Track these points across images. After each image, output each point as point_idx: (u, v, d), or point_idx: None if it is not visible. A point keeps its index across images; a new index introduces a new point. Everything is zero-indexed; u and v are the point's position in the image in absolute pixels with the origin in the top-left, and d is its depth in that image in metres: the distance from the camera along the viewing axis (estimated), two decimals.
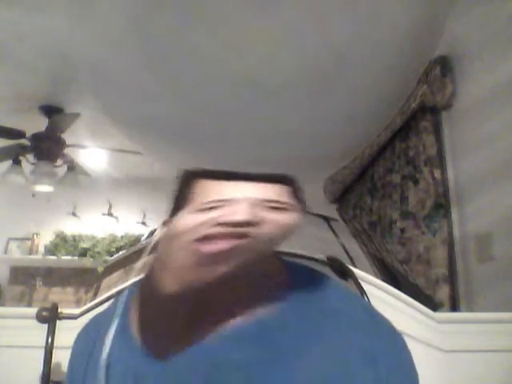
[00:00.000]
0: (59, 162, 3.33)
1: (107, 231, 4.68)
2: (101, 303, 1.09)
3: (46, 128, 3.11)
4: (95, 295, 1.67)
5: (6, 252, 4.78)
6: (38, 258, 4.69)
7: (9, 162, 3.27)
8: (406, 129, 2.36)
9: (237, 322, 0.56)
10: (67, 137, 3.19)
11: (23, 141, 3.12)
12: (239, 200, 0.53)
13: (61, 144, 3.21)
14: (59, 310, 1.13)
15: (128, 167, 3.79)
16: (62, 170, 3.43)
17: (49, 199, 4.06)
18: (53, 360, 1.06)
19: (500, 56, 1.77)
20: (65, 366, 0.72)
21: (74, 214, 4.76)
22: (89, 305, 1.17)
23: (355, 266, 1.31)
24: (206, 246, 0.52)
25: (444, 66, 2.05)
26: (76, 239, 4.67)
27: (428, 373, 1.16)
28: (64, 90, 2.86)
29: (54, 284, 4.60)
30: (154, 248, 0.62)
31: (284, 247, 1.12)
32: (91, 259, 4.47)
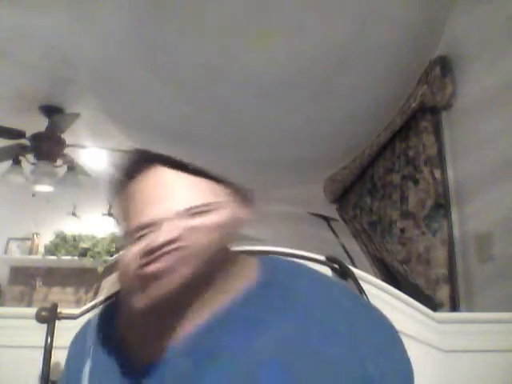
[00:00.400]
0: (59, 162, 3.32)
1: (107, 231, 4.67)
2: (101, 303, 1.09)
3: (46, 128, 3.11)
4: (95, 295, 1.67)
5: (6, 252, 4.79)
6: (38, 258, 4.70)
7: (9, 162, 3.27)
8: (405, 129, 2.35)
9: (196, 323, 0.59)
10: (67, 137, 3.19)
11: (23, 141, 3.11)
12: (159, 221, 0.57)
13: (61, 144, 3.21)
14: (59, 310, 1.13)
15: None
16: (62, 169, 3.42)
17: (49, 199, 4.05)
18: (52, 360, 1.06)
19: (500, 56, 1.77)
20: None
21: (74, 214, 4.76)
22: (88, 305, 1.17)
23: (355, 266, 1.31)
24: (149, 268, 0.56)
25: (444, 66, 2.05)
26: (76, 239, 4.67)
27: (428, 373, 1.16)
28: (64, 90, 2.85)
29: (53, 284, 4.60)
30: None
31: (284, 247, 1.12)
32: (91, 259, 4.47)
